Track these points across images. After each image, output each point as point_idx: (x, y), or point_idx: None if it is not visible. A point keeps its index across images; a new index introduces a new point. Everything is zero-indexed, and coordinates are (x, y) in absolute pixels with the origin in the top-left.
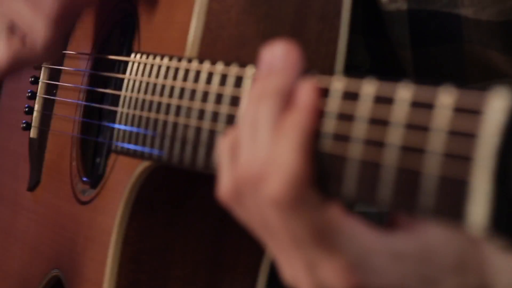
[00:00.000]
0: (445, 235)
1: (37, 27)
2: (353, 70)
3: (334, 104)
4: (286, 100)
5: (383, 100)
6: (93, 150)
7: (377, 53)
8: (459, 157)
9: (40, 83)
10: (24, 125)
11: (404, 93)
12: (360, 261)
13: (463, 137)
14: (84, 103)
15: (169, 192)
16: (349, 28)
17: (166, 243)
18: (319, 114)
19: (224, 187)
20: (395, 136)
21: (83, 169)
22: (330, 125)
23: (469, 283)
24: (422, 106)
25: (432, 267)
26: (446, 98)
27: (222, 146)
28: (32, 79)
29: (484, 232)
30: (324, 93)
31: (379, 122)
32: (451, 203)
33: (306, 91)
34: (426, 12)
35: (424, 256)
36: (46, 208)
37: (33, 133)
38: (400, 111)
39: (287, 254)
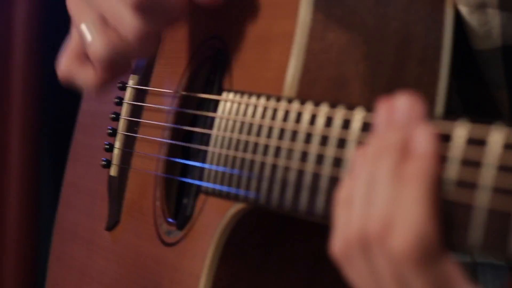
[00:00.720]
0: None
1: (126, 18)
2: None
3: (457, 150)
4: (406, 150)
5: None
6: (177, 190)
7: (471, 97)
8: None
9: (121, 120)
10: (104, 162)
11: None
12: None
13: None
14: (171, 141)
15: (261, 236)
16: (449, 72)
17: None
18: (441, 160)
19: (338, 243)
20: None
21: (167, 210)
22: (453, 171)
23: None
24: None
25: None
26: None
27: (337, 201)
28: (113, 115)
29: None
30: (444, 138)
31: (507, 169)
32: None
33: (425, 137)
34: None
35: None
36: (126, 248)
37: (113, 171)
38: None
39: None
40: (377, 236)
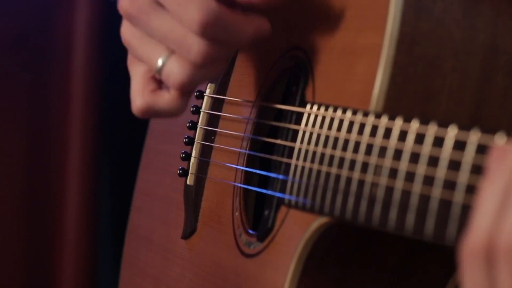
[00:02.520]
0: None
1: (194, 46)
2: None
3: None
4: None
5: None
6: (255, 201)
7: None
8: None
9: (198, 129)
10: (180, 171)
11: None
12: None
13: None
14: (252, 153)
15: (342, 249)
16: None
17: None
18: None
19: (466, 245)
20: None
21: (246, 221)
22: None
23: None
24: None
25: None
26: None
27: (477, 204)
28: (190, 124)
29: None
30: None
31: None
32: None
33: None
34: None
35: None
36: (203, 257)
37: (190, 180)
38: None
39: None
40: (508, 250)
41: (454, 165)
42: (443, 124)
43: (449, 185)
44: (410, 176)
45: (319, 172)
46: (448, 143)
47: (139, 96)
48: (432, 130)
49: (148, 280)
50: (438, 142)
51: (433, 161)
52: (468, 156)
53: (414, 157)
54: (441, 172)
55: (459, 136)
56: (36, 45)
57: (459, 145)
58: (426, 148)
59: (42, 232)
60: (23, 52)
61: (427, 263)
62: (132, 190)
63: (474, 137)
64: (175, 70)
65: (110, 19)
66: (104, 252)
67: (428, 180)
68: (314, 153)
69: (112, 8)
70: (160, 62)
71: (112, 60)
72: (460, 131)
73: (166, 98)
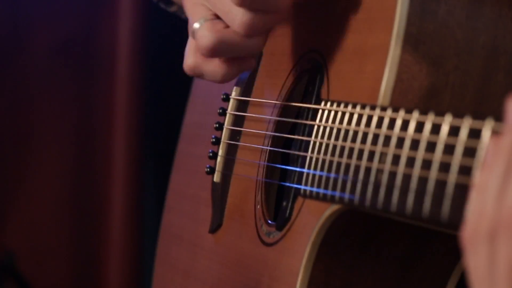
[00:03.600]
0: None
1: (237, 14)
2: None
3: None
4: None
5: None
6: (275, 194)
7: None
8: None
9: (224, 129)
10: (207, 169)
11: None
12: None
13: None
14: (271, 148)
15: (354, 235)
16: None
17: (348, 285)
18: None
19: (469, 228)
20: None
21: (267, 212)
22: None
23: None
24: None
25: None
26: None
27: (473, 188)
28: (217, 125)
29: None
30: None
31: None
32: None
33: None
34: None
35: None
36: (228, 249)
37: (216, 177)
38: None
39: None
40: (507, 225)
41: (449, 149)
42: (440, 113)
43: (444, 167)
44: (410, 161)
45: (331, 162)
46: (444, 129)
47: (191, 56)
48: (430, 118)
49: (179, 274)
50: (436, 129)
51: (431, 147)
52: (461, 140)
53: (414, 144)
54: (437, 156)
55: (453, 122)
56: (82, 52)
57: (454, 131)
58: (425, 135)
59: (89, 231)
60: (70, 59)
61: (433, 251)
62: None
63: (466, 123)
64: (206, 34)
65: (153, 26)
66: (148, 250)
67: (426, 164)
68: (327, 145)
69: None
70: (197, 25)
71: (155, 66)
72: (454, 118)
73: (213, 65)
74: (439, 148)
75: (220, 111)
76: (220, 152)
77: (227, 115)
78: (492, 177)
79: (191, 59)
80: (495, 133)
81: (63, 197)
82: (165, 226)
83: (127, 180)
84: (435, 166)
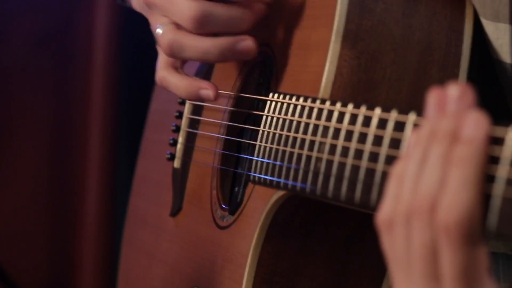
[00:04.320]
0: None
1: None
2: None
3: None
4: (456, 135)
5: None
6: (231, 180)
7: (489, 101)
8: None
9: (184, 118)
10: (168, 156)
11: None
12: None
13: None
14: (224, 137)
15: (300, 219)
16: (467, 77)
17: (296, 267)
18: (491, 159)
19: (384, 213)
20: None
21: (222, 197)
22: (503, 171)
23: None
24: None
25: None
26: None
27: (391, 175)
28: (177, 114)
29: None
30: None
31: None
32: None
33: (474, 124)
34: None
35: None
36: (187, 232)
37: (176, 163)
38: None
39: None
40: (421, 210)
41: (377, 140)
42: (371, 107)
43: (373, 157)
44: (345, 151)
45: (277, 151)
46: (374, 121)
47: (160, 69)
48: (362, 111)
49: (143, 256)
50: (367, 121)
51: (362, 138)
52: (388, 132)
53: (348, 135)
54: (368, 146)
55: (381, 115)
56: (59, 46)
57: (382, 124)
58: (358, 127)
59: (64, 225)
60: (47, 52)
61: (376, 234)
62: None
63: (393, 116)
64: (165, 36)
65: (129, 20)
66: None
67: (358, 153)
68: (274, 134)
69: (129, 11)
70: (159, 30)
71: (130, 59)
72: (383, 112)
73: (176, 77)
74: (369, 139)
75: (180, 100)
76: (180, 140)
77: (187, 104)
78: (409, 165)
79: (159, 72)
80: (417, 126)
81: (39, 187)
82: (131, 209)
83: (103, 169)
84: (365, 156)
